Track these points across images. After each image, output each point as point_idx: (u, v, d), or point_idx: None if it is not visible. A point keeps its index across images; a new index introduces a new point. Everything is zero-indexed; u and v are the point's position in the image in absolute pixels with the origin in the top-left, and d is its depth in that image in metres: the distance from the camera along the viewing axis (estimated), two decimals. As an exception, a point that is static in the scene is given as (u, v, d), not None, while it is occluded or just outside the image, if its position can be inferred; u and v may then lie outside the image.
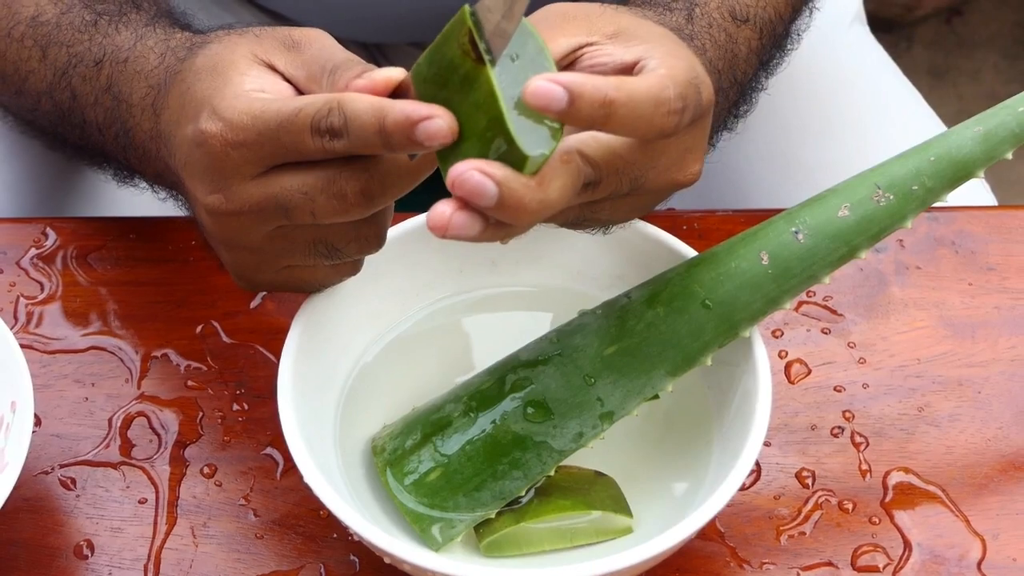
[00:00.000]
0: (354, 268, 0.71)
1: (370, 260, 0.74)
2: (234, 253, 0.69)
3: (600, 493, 0.73)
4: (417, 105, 0.60)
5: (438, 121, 0.60)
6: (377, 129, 0.61)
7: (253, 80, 0.66)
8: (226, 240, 0.68)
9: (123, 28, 0.76)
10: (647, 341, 0.70)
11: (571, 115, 0.58)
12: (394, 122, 0.61)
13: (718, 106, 0.75)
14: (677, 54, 0.65)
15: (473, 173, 0.58)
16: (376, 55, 1.11)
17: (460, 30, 0.59)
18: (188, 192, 0.69)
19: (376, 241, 0.68)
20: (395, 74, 0.63)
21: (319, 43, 0.67)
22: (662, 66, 0.63)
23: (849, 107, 1.05)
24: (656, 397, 0.71)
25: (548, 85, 0.57)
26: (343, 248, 0.68)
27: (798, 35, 0.85)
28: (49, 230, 0.86)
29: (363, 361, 0.77)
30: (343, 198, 0.64)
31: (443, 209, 0.60)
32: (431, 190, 1.14)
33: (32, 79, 0.80)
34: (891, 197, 0.69)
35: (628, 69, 0.65)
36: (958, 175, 0.70)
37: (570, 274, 0.78)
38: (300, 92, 0.67)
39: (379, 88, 0.63)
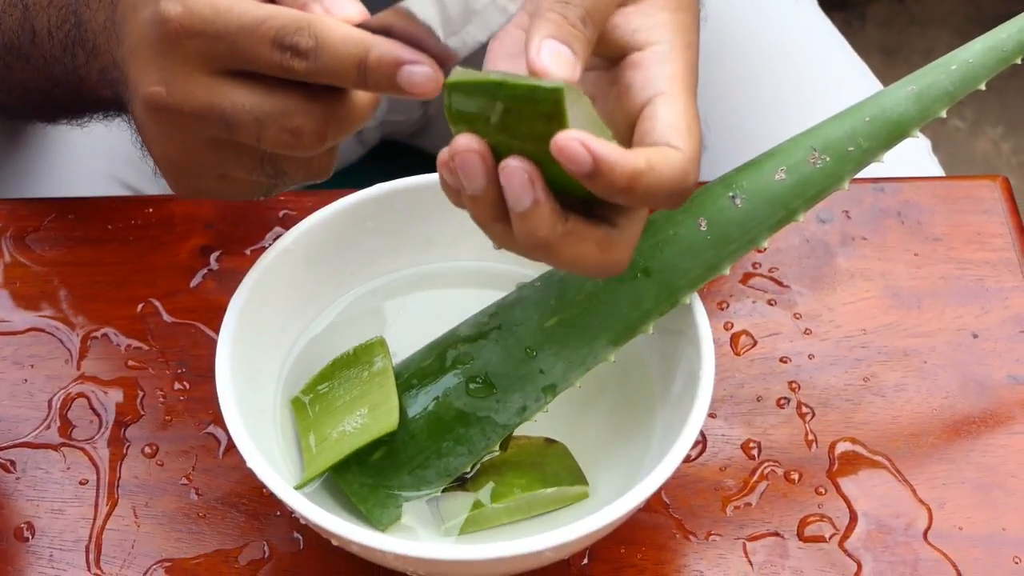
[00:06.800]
0: (324, 170, 0.68)
1: (304, 241, 0.74)
2: (169, 155, 0.66)
3: (554, 464, 0.72)
4: (404, 48, 0.60)
5: (424, 67, 0.60)
6: (357, 62, 0.60)
7: None
8: (162, 139, 0.65)
9: None
10: (587, 311, 0.69)
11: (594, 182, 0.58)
12: (379, 58, 0.60)
13: None
14: (680, 50, 0.64)
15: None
16: None
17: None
18: (130, 85, 0.65)
19: (325, 171, 0.67)
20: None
21: None
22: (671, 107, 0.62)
23: (797, 80, 1.05)
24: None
25: (578, 148, 0.57)
26: (289, 173, 0.66)
27: None
28: (-14, 211, 0.85)
29: (302, 342, 0.76)
30: (297, 134, 0.62)
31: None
32: (362, 169, 1.13)
33: None
34: (827, 159, 0.69)
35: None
36: (893, 135, 0.69)
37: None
38: None
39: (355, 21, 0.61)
